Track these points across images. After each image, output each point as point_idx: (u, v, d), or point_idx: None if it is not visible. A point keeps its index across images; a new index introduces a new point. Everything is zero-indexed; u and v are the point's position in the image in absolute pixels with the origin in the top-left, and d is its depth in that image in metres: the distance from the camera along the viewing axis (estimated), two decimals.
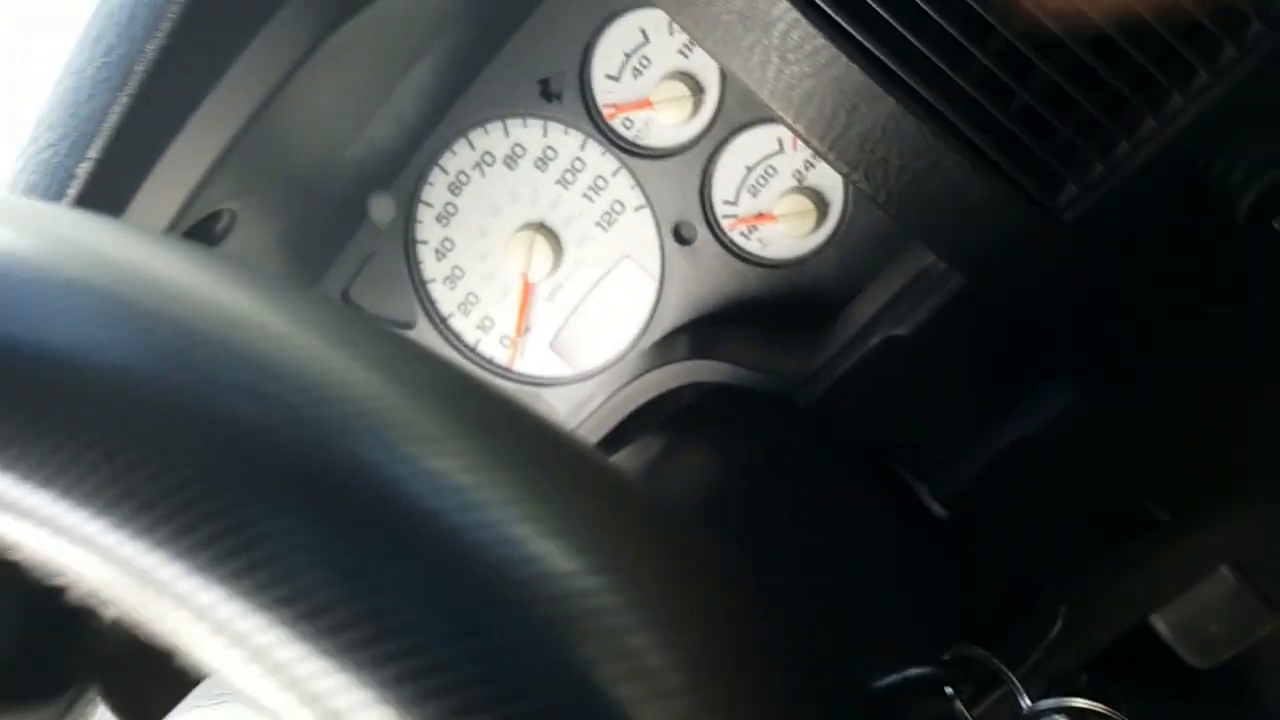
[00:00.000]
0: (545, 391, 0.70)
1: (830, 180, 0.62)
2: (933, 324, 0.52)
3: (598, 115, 0.64)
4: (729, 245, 0.64)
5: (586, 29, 0.62)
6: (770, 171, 0.62)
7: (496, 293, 0.69)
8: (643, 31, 0.62)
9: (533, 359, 0.70)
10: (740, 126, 0.62)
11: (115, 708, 0.71)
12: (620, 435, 0.62)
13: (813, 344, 0.58)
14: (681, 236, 0.65)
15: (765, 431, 0.56)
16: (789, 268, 0.64)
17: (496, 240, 0.68)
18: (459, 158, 0.66)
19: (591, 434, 0.62)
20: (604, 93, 0.63)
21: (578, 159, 0.65)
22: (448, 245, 0.69)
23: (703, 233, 0.64)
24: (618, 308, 0.67)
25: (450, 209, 0.68)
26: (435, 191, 0.67)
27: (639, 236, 0.66)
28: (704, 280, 0.65)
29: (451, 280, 0.69)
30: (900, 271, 0.56)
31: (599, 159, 0.65)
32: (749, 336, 0.62)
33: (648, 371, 0.62)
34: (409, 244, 0.68)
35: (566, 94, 0.64)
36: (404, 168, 0.67)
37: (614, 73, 0.63)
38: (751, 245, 0.64)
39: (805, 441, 0.55)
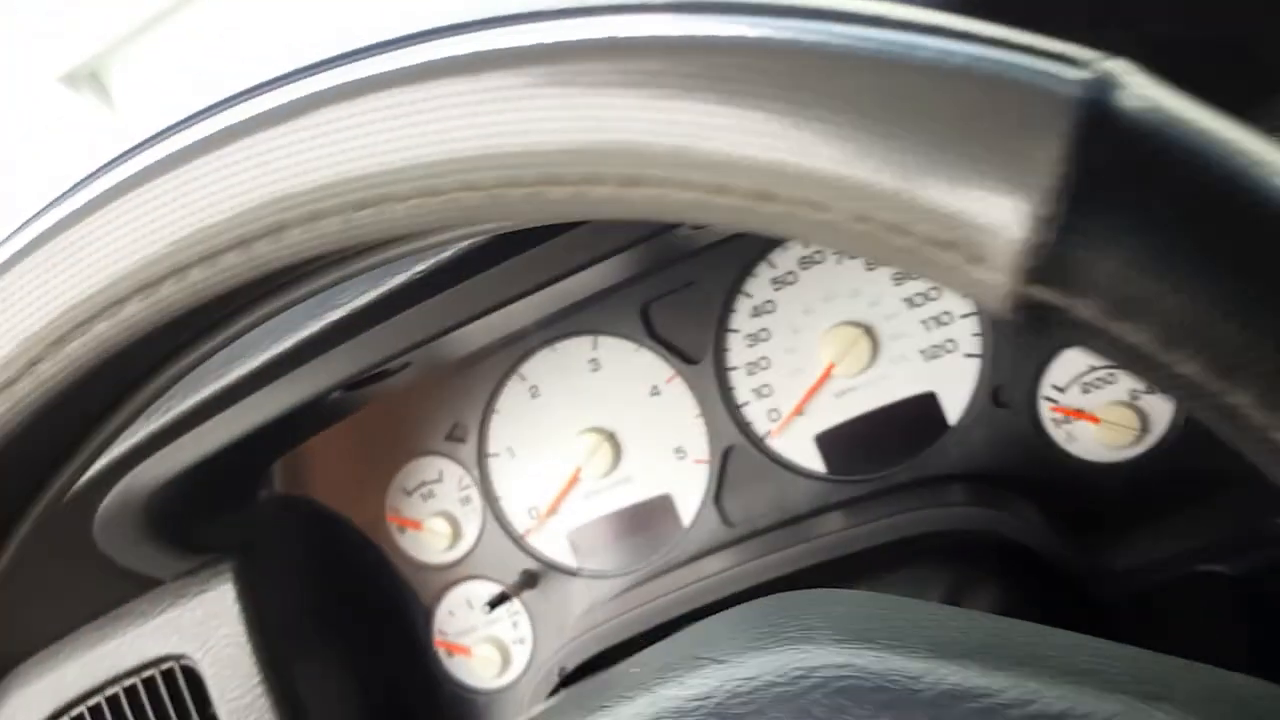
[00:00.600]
0: (796, 480, 0.71)
1: (1160, 408, 0.64)
2: (1259, 574, 0.53)
3: None
4: (1038, 424, 0.66)
5: None
6: (1110, 378, 0.65)
7: (793, 373, 0.71)
8: None
9: (792, 443, 0.71)
10: None
11: (240, 588, 0.70)
12: (883, 555, 0.62)
13: (1105, 544, 0.60)
14: (998, 399, 0.67)
15: (1064, 609, 0.57)
16: (1082, 467, 0.66)
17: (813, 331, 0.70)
18: None
19: (853, 543, 0.63)
20: None
21: (934, 289, 0.68)
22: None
23: (1018, 403, 0.67)
24: (899, 429, 0.69)
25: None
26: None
27: (954, 378, 0.68)
28: (998, 442, 0.67)
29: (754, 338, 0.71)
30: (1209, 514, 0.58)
31: (958, 299, 0.67)
32: (1036, 512, 0.63)
33: (929, 507, 0.63)
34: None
35: None
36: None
37: None
38: (1058, 434, 0.66)
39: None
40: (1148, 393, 0.65)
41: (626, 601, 0.71)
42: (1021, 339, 0.66)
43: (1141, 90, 0.19)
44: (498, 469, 0.78)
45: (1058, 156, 0.19)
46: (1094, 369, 0.65)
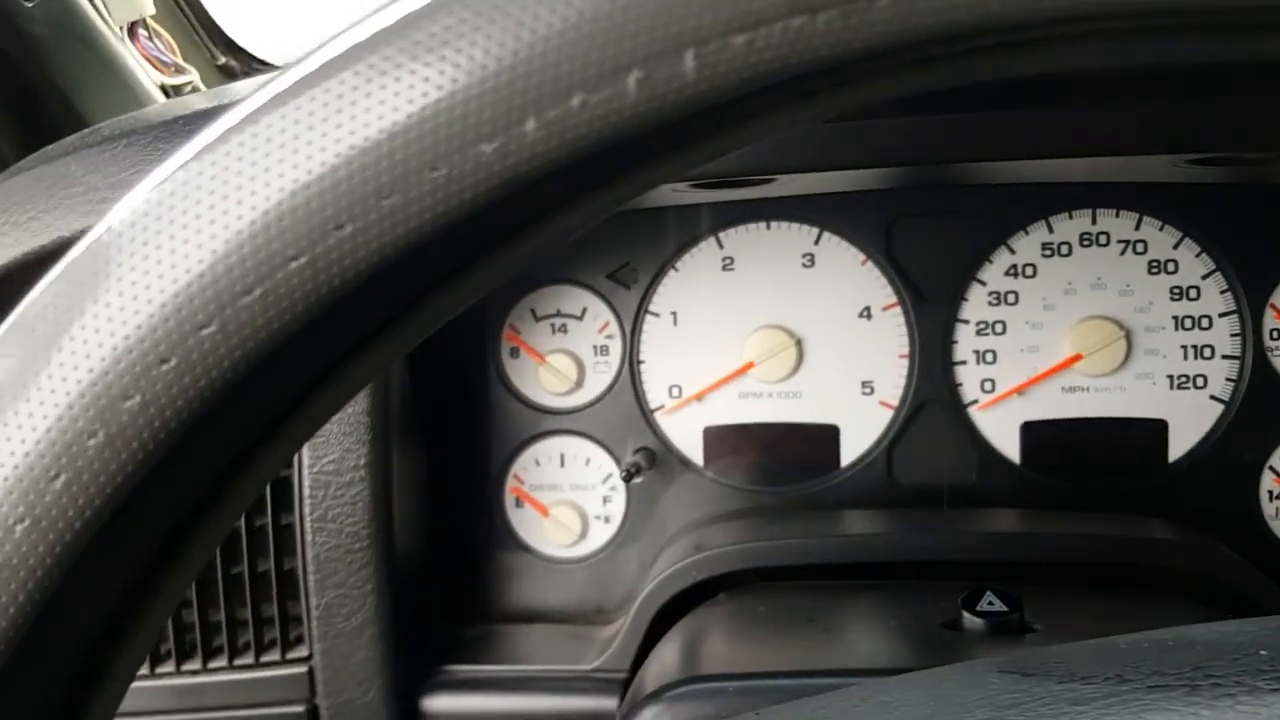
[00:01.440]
0: (985, 460, 0.65)
1: None
2: None
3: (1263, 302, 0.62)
4: (1255, 491, 0.63)
5: None
6: None
7: (1027, 350, 0.64)
8: None
9: (995, 421, 0.65)
10: None
11: None
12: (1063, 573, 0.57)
13: None
14: (1227, 452, 0.63)
15: None
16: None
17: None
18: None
19: (1033, 551, 0.58)
20: None
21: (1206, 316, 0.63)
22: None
23: (1245, 464, 0.63)
24: (1114, 447, 0.64)
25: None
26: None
27: (1191, 415, 0.63)
28: (1210, 494, 0.63)
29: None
30: None
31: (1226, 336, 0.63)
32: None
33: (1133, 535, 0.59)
34: None
35: (1251, 267, 0.62)
36: None
37: None
38: (1269, 509, 0.63)
39: None
40: None
41: (761, 527, 0.63)
42: (1270, 407, 0.62)
43: None
44: (653, 330, 0.67)
45: None
46: None
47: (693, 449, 0.68)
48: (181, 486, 0.19)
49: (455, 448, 0.69)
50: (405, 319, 0.19)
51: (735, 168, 0.51)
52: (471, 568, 0.69)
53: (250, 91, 0.19)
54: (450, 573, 0.69)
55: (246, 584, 0.60)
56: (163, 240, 0.18)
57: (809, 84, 0.17)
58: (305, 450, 0.58)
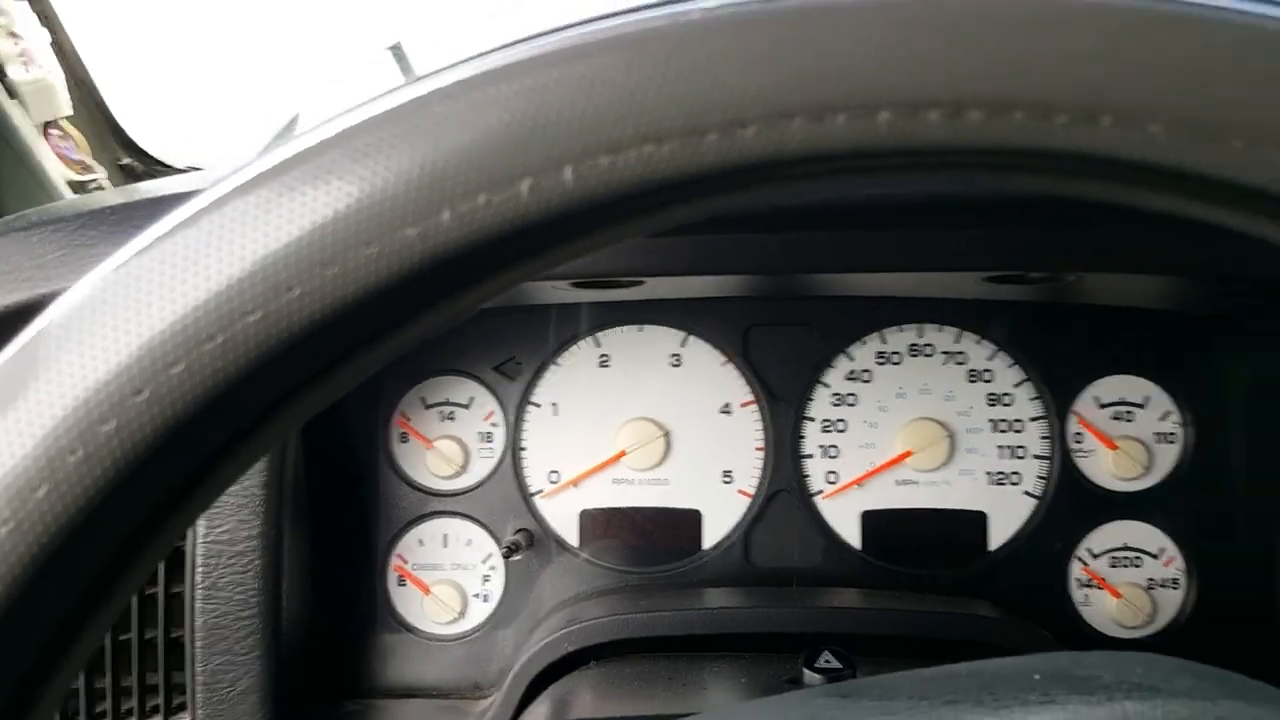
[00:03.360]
0: (829, 546, 0.72)
1: (1170, 599, 0.71)
2: None
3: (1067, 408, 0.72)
4: (1064, 578, 0.71)
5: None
6: (1138, 561, 0.71)
7: (865, 446, 0.73)
8: (1146, 398, 0.72)
9: (839, 510, 0.72)
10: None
11: None
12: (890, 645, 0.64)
13: None
14: (1039, 544, 0.71)
15: None
16: (1090, 634, 0.71)
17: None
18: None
19: (870, 624, 0.65)
20: (1085, 404, 0.72)
21: (1020, 421, 0.72)
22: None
23: (1055, 554, 0.71)
24: (942, 536, 0.72)
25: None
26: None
27: (1008, 509, 0.72)
28: (1025, 581, 0.71)
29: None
30: None
31: (1037, 439, 0.72)
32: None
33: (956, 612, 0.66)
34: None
35: (1063, 377, 0.72)
36: None
37: (1105, 402, 0.72)
38: (1078, 595, 0.72)
39: None
40: (1163, 586, 0.71)
41: (631, 601, 0.69)
42: (1076, 503, 0.71)
43: None
44: (535, 419, 0.74)
45: None
46: (1126, 548, 0.71)
47: (569, 531, 0.74)
48: (139, 491, 0.24)
49: (344, 526, 0.73)
50: (333, 370, 0.25)
51: (608, 269, 0.58)
52: (353, 643, 0.73)
53: (169, 189, 0.24)
54: (333, 647, 0.72)
55: (134, 651, 0.63)
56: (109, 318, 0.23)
57: (659, 195, 0.24)
58: (200, 521, 0.61)
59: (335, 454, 0.73)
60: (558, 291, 0.69)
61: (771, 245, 0.55)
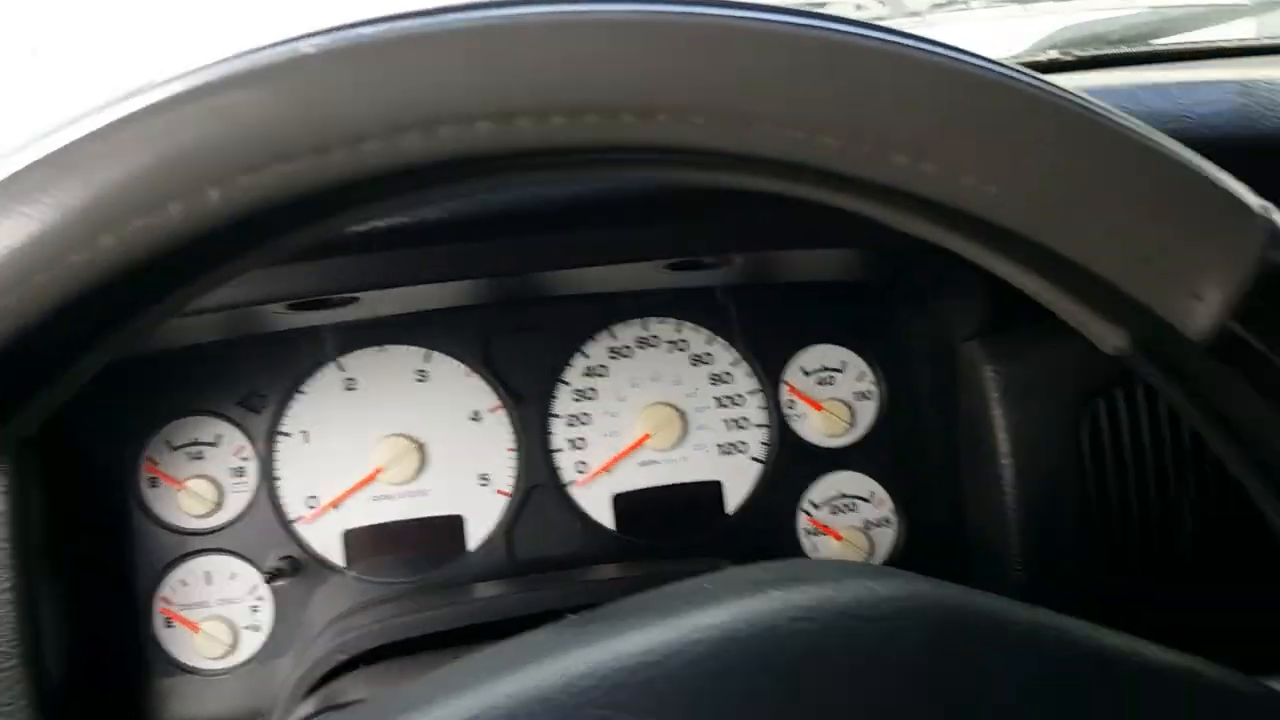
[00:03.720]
0: (586, 530, 0.78)
1: (885, 537, 0.80)
2: None
3: (778, 379, 0.80)
4: (794, 530, 0.80)
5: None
6: (853, 506, 0.80)
7: (608, 434, 0.78)
8: (843, 363, 0.81)
9: (591, 496, 0.78)
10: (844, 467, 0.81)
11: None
12: None
13: None
14: (768, 502, 0.80)
15: None
16: None
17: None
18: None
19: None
20: (793, 374, 0.80)
21: (740, 395, 0.80)
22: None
23: (783, 509, 0.80)
24: (685, 506, 0.79)
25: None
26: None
27: (739, 475, 0.80)
28: (763, 537, 0.79)
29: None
30: None
31: (756, 409, 0.80)
32: None
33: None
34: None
35: (773, 353, 0.80)
36: None
37: (809, 370, 0.81)
38: (807, 543, 0.80)
39: None
40: (877, 525, 0.81)
41: (400, 606, 0.72)
42: (796, 462, 0.80)
43: None
44: (285, 449, 0.75)
45: (1260, 248, 0.31)
46: (843, 496, 0.80)
47: (334, 553, 0.76)
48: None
49: (103, 576, 0.72)
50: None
51: (319, 287, 0.61)
52: (128, 689, 0.72)
53: None
54: (106, 696, 0.71)
55: None
56: None
57: (301, 209, 0.29)
58: None
59: (85, 505, 0.72)
60: (290, 318, 0.71)
61: (460, 254, 0.60)
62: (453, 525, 0.77)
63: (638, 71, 0.29)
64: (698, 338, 0.80)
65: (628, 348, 0.79)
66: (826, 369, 0.81)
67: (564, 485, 0.78)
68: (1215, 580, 0.70)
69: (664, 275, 0.72)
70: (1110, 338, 0.35)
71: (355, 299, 0.67)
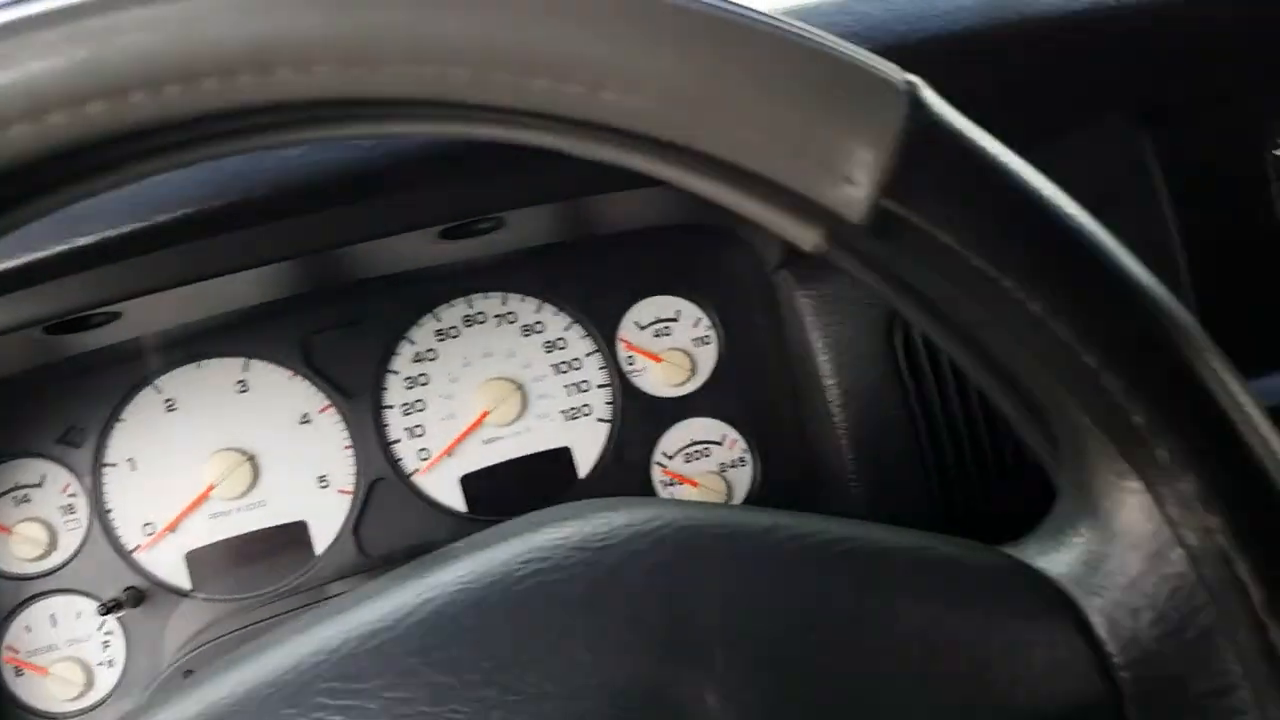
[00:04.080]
0: (437, 516, 0.76)
1: (742, 478, 0.80)
2: None
3: (615, 339, 0.79)
4: (649, 484, 0.79)
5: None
6: (706, 452, 0.80)
7: (446, 418, 0.77)
8: (677, 312, 0.80)
9: (438, 482, 0.77)
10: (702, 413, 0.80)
11: None
12: None
13: None
14: (621, 459, 0.79)
15: None
16: None
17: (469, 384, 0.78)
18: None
19: None
20: (628, 329, 0.80)
21: (577, 360, 0.79)
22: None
23: (636, 464, 0.79)
24: (538, 476, 0.78)
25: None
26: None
27: (587, 438, 0.79)
28: (618, 495, 0.78)
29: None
30: None
31: (596, 370, 0.79)
32: None
33: None
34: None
35: (604, 311, 0.79)
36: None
37: (644, 324, 0.80)
38: (664, 494, 0.79)
39: None
40: (733, 467, 0.80)
41: (247, 618, 0.70)
42: (643, 416, 0.79)
43: (931, 93, 0.32)
44: (113, 480, 0.73)
45: (902, 120, 0.30)
46: (695, 443, 0.80)
47: (178, 577, 0.74)
48: None
49: None
50: None
51: (77, 305, 0.59)
52: None
53: None
54: None
55: None
56: None
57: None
58: None
59: None
60: (91, 338, 0.69)
61: (220, 246, 0.58)
62: (297, 531, 0.75)
63: (246, 32, 0.28)
64: (525, 308, 0.79)
65: (454, 328, 0.78)
66: (661, 320, 0.80)
67: (408, 475, 0.77)
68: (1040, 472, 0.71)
69: (459, 247, 0.71)
70: (807, 237, 0.35)
71: (117, 315, 0.64)
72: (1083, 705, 0.31)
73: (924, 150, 0.31)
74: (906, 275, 0.34)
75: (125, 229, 0.52)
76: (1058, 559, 0.34)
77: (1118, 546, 0.32)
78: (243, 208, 0.57)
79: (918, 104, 0.31)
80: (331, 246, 0.62)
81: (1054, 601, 0.33)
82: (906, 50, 0.66)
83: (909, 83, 0.32)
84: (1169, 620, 0.31)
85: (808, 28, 0.32)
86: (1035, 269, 0.33)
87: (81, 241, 0.52)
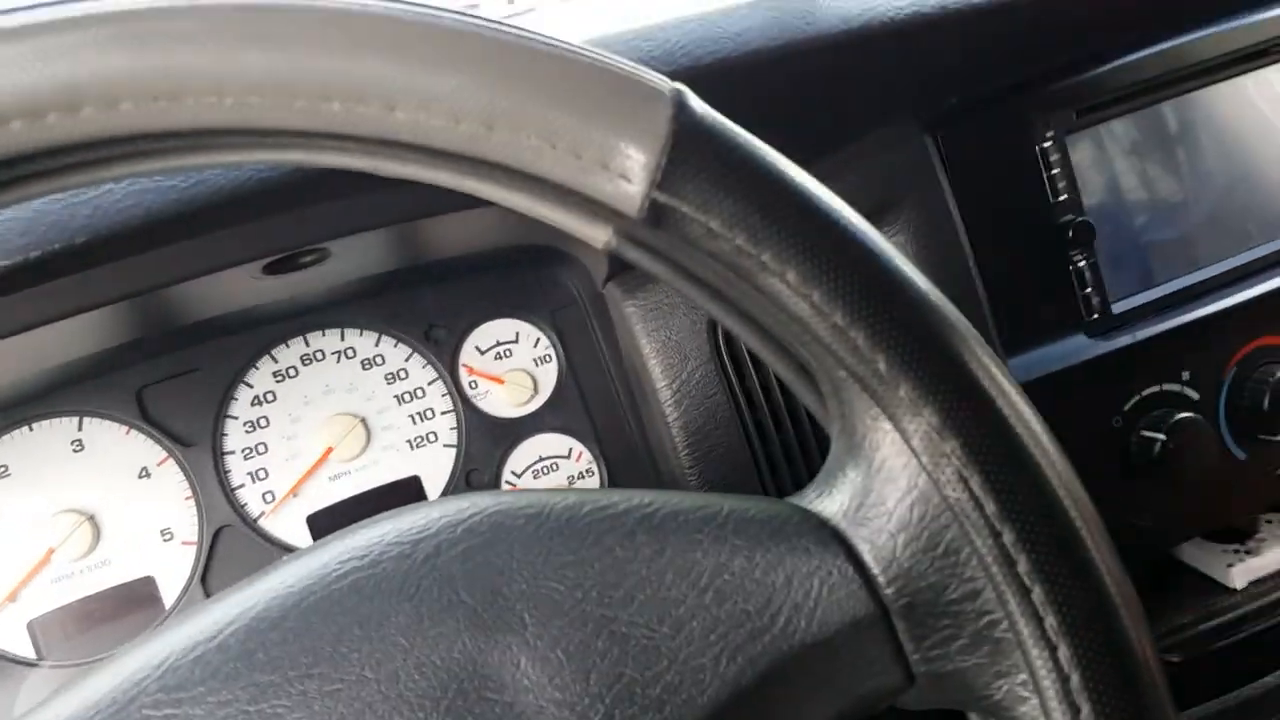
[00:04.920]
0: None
1: None
2: None
3: (456, 365, 0.81)
4: None
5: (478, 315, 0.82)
6: (555, 467, 0.82)
7: (290, 458, 0.77)
8: (516, 334, 0.83)
9: (284, 523, 0.77)
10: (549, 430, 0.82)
11: None
12: None
13: None
14: (470, 481, 0.80)
15: None
16: None
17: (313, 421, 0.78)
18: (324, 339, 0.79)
19: None
20: (469, 355, 0.81)
21: (420, 389, 0.80)
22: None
23: (486, 484, 0.81)
24: (387, 507, 0.78)
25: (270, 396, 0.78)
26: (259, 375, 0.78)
27: (435, 464, 0.80)
28: None
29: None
30: None
31: (439, 397, 0.81)
32: None
33: None
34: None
35: (444, 339, 0.81)
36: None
37: (484, 348, 0.82)
38: None
39: None
40: (580, 478, 0.83)
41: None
42: (488, 438, 0.81)
43: (695, 100, 0.36)
44: None
45: (669, 123, 0.34)
46: (542, 459, 0.82)
47: (23, 647, 0.72)
48: None
49: None
50: None
51: None
52: None
53: None
54: None
55: None
56: None
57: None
58: None
59: None
60: None
61: (45, 294, 0.58)
62: (144, 587, 0.74)
63: (51, 73, 0.31)
64: (364, 342, 0.80)
65: (293, 368, 0.79)
66: (501, 343, 0.82)
67: (254, 520, 0.77)
68: None
69: (289, 284, 0.72)
70: (598, 235, 0.38)
71: None
72: (856, 621, 0.35)
73: (688, 148, 0.35)
74: (686, 262, 0.38)
75: None
76: (830, 501, 0.38)
77: (877, 481, 0.36)
78: (63, 255, 0.57)
79: (683, 108, 0.35)
80: (155, 287, 0.62)
81: (828, 538, 0.37)
82: (699, 70, 0.71)
83: (675, 90, 0.36)
84: (921, 539, 0.35)
85: (584, 47, 0.35)
86: (787, 245, 0.36)
87: None
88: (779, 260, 0.36)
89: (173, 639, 0.38)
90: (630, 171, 0.35)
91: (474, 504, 0.41)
